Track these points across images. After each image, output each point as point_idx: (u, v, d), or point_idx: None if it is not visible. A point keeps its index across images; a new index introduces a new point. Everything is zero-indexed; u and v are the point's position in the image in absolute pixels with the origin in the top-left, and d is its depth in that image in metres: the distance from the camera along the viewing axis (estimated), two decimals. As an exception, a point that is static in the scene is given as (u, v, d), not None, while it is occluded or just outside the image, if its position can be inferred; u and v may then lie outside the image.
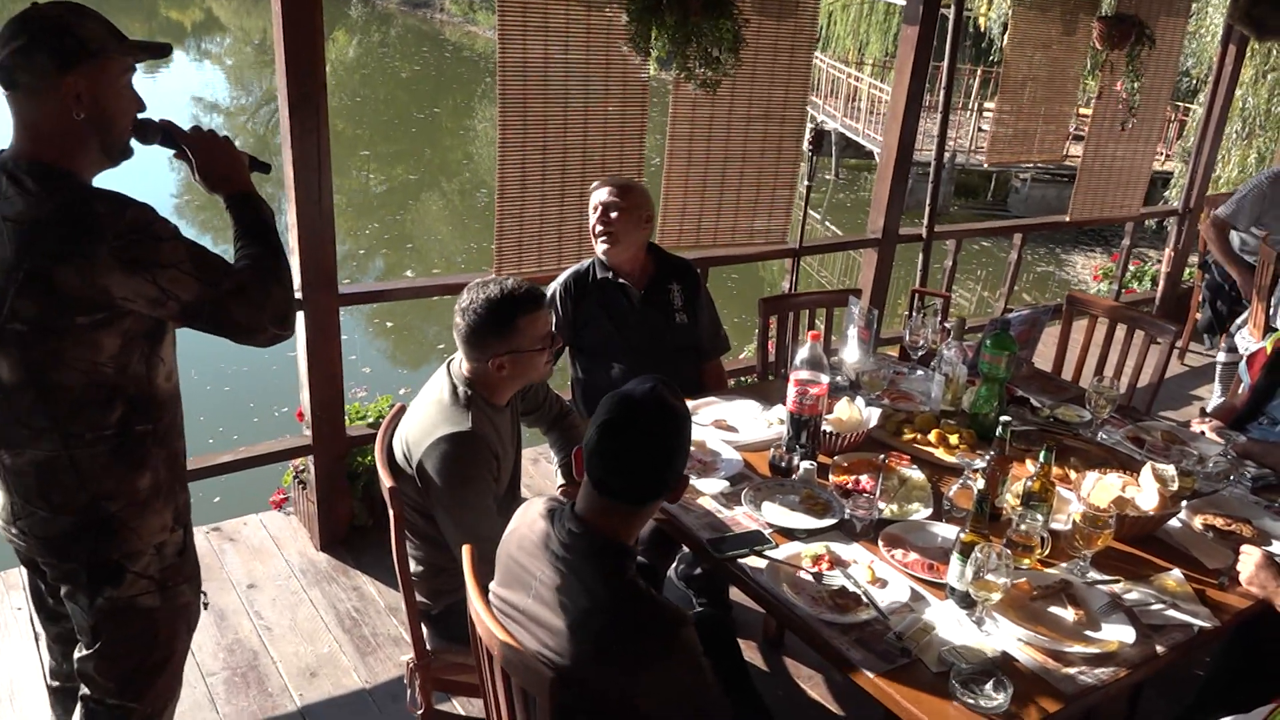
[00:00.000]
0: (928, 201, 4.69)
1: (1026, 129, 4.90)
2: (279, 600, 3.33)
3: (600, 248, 3.09)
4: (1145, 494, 2.39)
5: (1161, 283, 6.13)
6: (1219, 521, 2.47)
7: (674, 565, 3.25)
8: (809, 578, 2.17)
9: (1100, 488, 2.43)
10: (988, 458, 2.43)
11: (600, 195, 3.09)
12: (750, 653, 3.17)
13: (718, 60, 3.50)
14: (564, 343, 3.05)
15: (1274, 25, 5.45)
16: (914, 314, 3.33)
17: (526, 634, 1.71)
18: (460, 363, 2.37)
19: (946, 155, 5.97)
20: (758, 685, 2.51)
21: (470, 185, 15.96)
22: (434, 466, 2.22)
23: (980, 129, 15.37)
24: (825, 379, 2.59)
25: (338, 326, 3.34)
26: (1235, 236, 4.96)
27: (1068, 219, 5.44)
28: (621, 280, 3.15)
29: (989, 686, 1.85)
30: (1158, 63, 5.12)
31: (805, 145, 4.06)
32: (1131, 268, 6.62)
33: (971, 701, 1.83)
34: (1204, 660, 2.99)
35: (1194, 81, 14.30)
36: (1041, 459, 2.31)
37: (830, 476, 2.57)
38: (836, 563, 2.22)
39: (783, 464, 2.58)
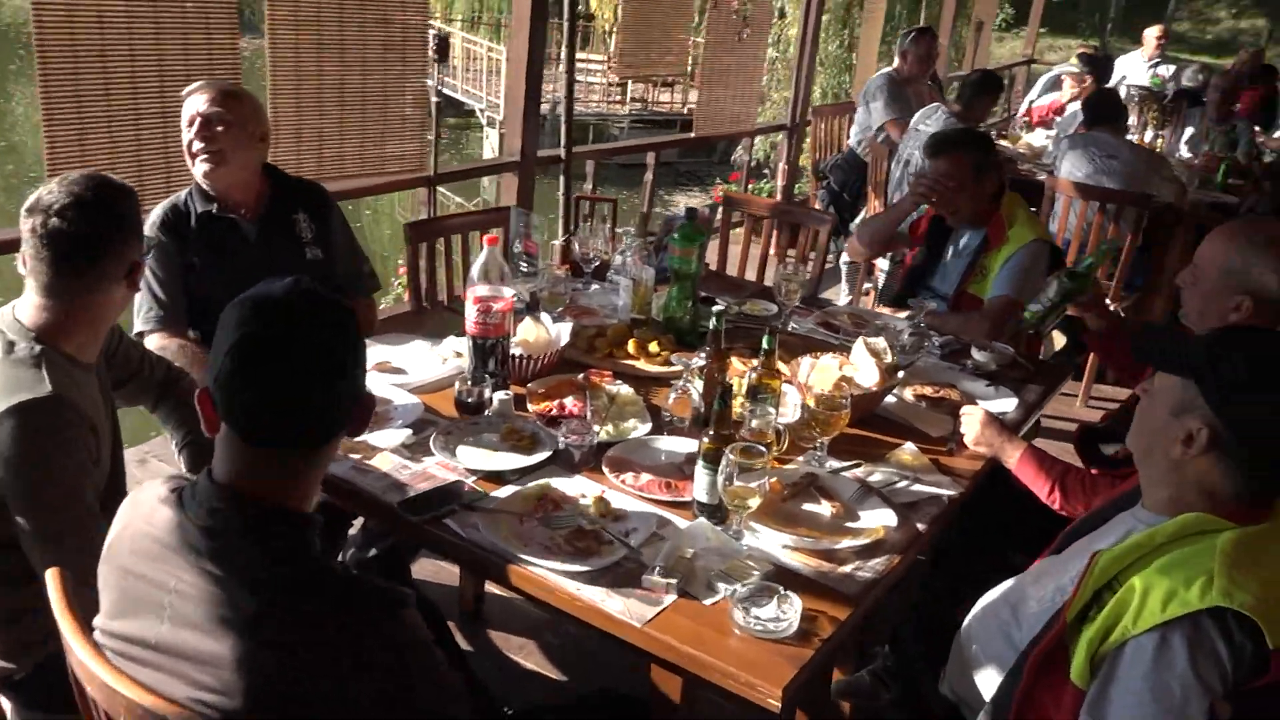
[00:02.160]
0: (563, 126, 4.38)
1: (653, 43, 4.74)
2: None
3: (200, 170, 2.41)
4: (863, 370, 2.23)
5: (779, 197, 6.34)
6: (928, 390, 2.39)
7: (342, 554, 2.68)
8: (535, 523, 1.76)
9: (819, 371, 2.24)
10: (703, 356, 2.16)
11: (197, 104, 2.39)
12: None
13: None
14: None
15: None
16: (580, 224, 2.99)
17: (169, 677, 1.14)
18: (17, 310, 1.67)
19: (545, 106, 5.64)
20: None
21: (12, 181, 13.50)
22: (3, 449, 1.53)
23: (577, 80, 15.51)
24: (509, 292, 2.17)
25: None
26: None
27: (693, 135, 5.42)
28: (230, 214, 2.50)
29: (773, 606, 1.55)
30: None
31: (430, 52, 3.57)
32: (749, 187, 6.84)
33: (760, 627, 1.52)
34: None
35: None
36: (764, 346, 2.06)
37: (529, 406, 2.16)
38: (562, 501, 1.83)
39: (471, 399, 2.13)
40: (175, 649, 1.13)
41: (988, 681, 1.58)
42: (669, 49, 4.90)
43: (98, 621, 1.23)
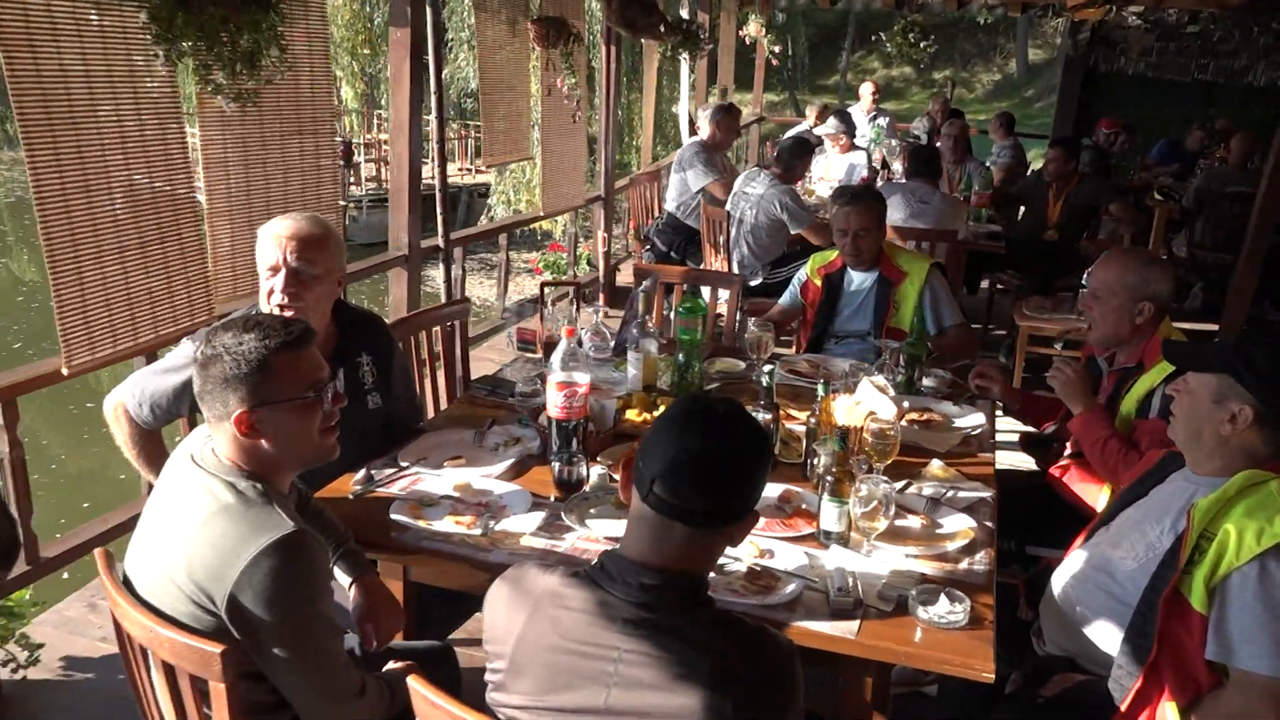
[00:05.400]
0: (439, 214, 4.54)
1: (510, 128, 4.99)
2: None
3: None
4: (880, 404, 2.61)
5: (601, 263, 6.72)
6: (915, 415, 2.81)
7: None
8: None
9: (846, 411, 2.59)
10: (760, 409, 2.47)
11: (281, 248, 2.25)
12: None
13: (253, 63, 2.97)
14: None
15: (644, 24, 6.29)
16: (542, 307, 3.21)
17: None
18: (212, 450, 1.70)
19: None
20: None
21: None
22: (265, 591, 1.55)
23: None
24: (584, 378, 2.37)
25: None
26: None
27: (543, 214, 5.72)
28: None
29: (944, 603, 1.88)
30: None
31: (337, 158, 3.64)
32: (560, 256, 7.20)
33: (944, 620, 1.84)
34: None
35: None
36: (820, 392, 2.41)
37: (616, 476, 2.37)
38: (712, 551, 2.07)
39: (571, 478, 2.31)
40: (629, 710, 1.30)
41: (1102, 630, 1.99)
42: (520, 135, 5.16)
43: (516, 700, 1.36)
